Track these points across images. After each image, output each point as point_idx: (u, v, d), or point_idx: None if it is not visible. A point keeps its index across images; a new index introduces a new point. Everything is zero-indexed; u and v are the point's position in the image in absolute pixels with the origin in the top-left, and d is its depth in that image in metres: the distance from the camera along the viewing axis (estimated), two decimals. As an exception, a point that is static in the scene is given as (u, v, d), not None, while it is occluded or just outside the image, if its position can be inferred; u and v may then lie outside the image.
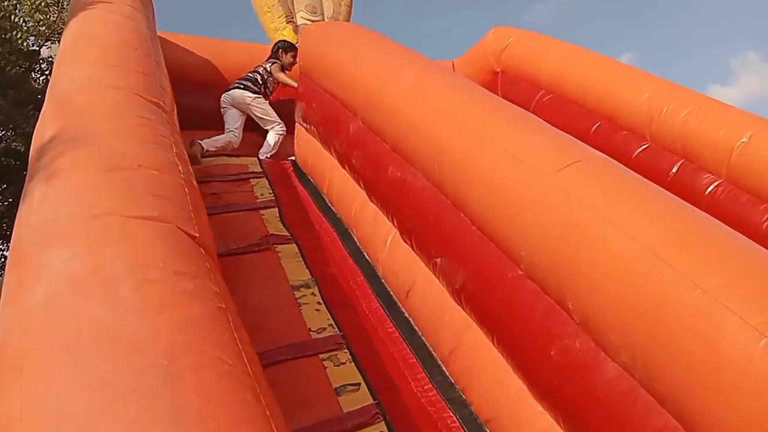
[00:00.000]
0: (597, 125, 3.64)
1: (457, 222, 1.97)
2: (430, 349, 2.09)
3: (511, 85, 4.39)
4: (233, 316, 1.26)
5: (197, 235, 1.47)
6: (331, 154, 3.05)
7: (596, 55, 3.85)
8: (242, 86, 3.95)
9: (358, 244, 2.71)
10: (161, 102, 2.18)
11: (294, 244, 2.65)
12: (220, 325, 1.17)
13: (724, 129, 2.97)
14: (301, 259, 2.54)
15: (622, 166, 1.74)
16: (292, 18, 4.67)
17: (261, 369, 1.22)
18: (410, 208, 2.26)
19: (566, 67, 3.90)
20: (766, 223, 2.80)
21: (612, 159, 1.75)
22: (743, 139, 2.89)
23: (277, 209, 2.94)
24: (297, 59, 4.06)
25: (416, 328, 2.20)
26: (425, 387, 1.98)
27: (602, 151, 3.68)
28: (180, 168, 1.78)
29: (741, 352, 1.13)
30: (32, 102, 5.87)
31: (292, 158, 3.68)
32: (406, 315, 2.28)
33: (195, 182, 1.94)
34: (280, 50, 4.18)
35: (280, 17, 4.65)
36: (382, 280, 2.46)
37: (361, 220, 2.68)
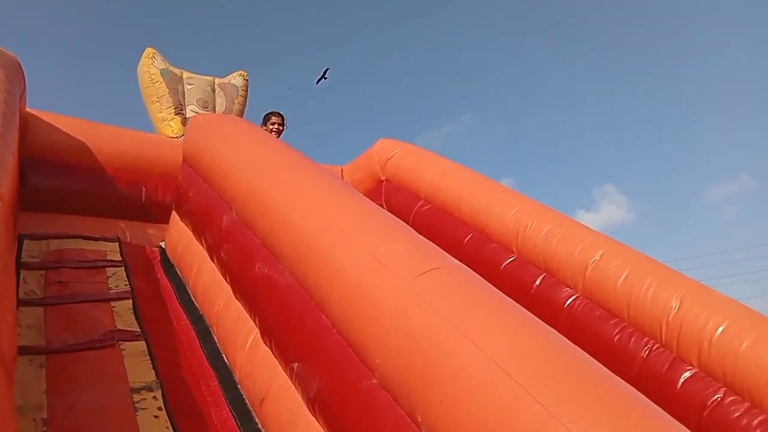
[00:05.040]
0: (470, 236, 3.81)
1: (318, 324, 1.89)
2: (280, 464, 1.91)
3: (394, 194, 4.55)
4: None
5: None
6: (202, 245, 2.91)
7: (472, 171, 4.12)
8: None
9: (218, 345, 2.52)
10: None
11: (143, 342, 2.40)
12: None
13: (579, 246, 3.21)
14: (148, 358, 2.30)
15: (478, 276, 1.78)
16: (182, 110, 4.63)
17: None
18: (273, 307, 2.15)
19: (444, 181, 4.12)
20: (617, 336, 2.98)
21: (469, 269, 1.79)
22: (596, 257, 3.13)
23: (131, 301, 2.69)
24: (276, 125, 4.85)
25: (268, 440, 2.02)
26: None
27: (474, 261, 3.84)
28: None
29: (575, 471, 1.11)
30: None
31: (162, 244, 3.48)
32: (260, 426, 2.09)
33: (11, 273, 1.71)
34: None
35: (168, 108, 4.59)
36: (238, 386, 2.28)
37: (224, 317, 2.51)
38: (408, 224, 4.41)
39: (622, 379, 2.97)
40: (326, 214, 2.05)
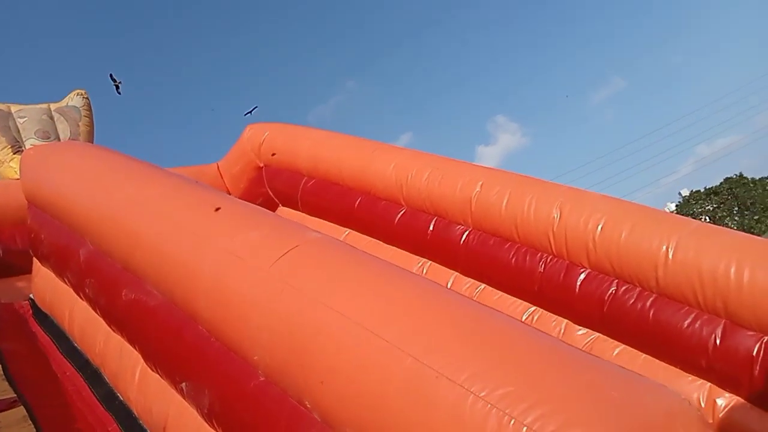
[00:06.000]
0: (359, 200, 3.76)
1: (196, 336, 1.76)
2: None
3: (276, 177, 4.40)
4: None
5: None
6: (68, 285, 2.66)
7: (344, 136, 4.04)
8: None
9: (111, 386, 2.32)
10: None
11: (22, 407, 2.17)
12: None
13: (460, 183, 3.25)
14: (29, 423, 2.08)
15: (343, 243, 1.71)
16: (21, 147, 4.18)
17: None
18: (149, 331, 1.99)
19: (320, 152, 4.02)
20: (513, 258, 3.06)
21: (331, 237, 1.72)
22: (477, 189, 3.17)
23: (0, 367, 2.42)
24: None
25: (179, 471, 1.89)
26: None
27: (368, 223, 3.81)
28: None
29: (453, 413, 1.09)
30: None
31: (32, 296, 3.16)
32: (169, 456, 1.96)
33: None
34: None
35: (4, 148, 4.14)
36: (139, 422, 2.11)
37: (108, 355, 2.31)
38: (297, 203, 4.32)
39: (526, 296, 3.08)
40: (175, 221, 1.91)
